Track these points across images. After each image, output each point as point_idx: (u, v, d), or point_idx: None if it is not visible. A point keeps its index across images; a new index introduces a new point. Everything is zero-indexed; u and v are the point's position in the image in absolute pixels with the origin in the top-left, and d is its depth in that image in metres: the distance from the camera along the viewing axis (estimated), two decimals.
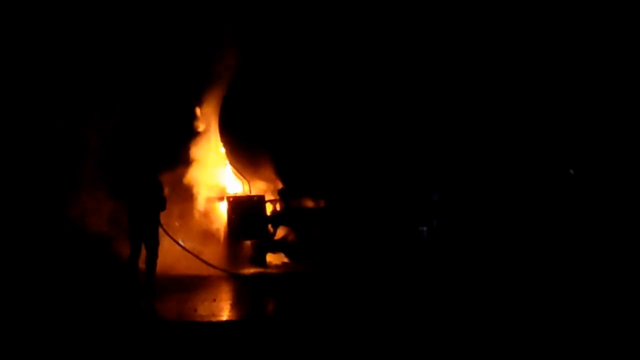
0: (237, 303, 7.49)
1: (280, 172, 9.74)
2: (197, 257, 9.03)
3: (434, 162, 9.52)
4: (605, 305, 6.65)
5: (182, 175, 10.24)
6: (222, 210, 10.27)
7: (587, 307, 6.59)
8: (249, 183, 10.24)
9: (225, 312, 6.94)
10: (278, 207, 10.03)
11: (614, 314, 6.33)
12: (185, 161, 10.34)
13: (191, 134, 10.56)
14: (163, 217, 7.98)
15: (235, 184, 10.58)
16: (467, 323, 6.13)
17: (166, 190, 8.16)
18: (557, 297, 7.07)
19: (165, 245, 8.46)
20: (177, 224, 9.55)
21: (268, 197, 10.10)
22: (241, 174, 10.34)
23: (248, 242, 9.91)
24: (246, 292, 8.14)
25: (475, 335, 5.79)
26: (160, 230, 8.00)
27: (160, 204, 7.92)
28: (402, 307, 6.86)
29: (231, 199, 10.01)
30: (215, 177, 10.69)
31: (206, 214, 10.34)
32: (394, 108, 9.45)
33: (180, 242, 8.91)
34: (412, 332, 5.95)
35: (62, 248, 9.20)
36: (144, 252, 7.75)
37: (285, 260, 10.08)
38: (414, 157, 9.49)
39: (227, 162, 10.62)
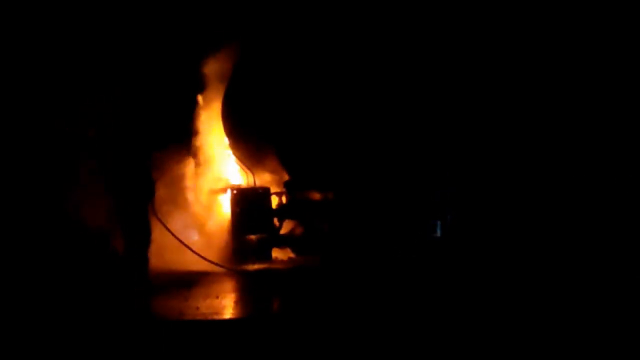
0: (242, 300, 7.51)
1: (286, 163, 9.73)
2: (193, 251, 9.07)
3: (449, 152, 9.47)
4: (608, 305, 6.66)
5: (183, 166, 10.24)
6: (225, 202, 10.28)
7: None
8: (253, 174, 10.22)
9: (229, 310, 6.95)
10: (284, 200, 10.02)
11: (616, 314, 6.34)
12: (185, 151, 10.34)
13: (192, 123, 10.58)
14: (161, 210, 8.08)
15: (238, 175, 10.57)
16: (476, 324, 6.13)
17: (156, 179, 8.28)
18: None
19: (165, 239, 8.53)
20: (176, 216, 9.59)
21: (273, 189, 10.08)
22: (245, 165, 10.32)
23: (252, 237, 9.90)
24: (251, 289, 8.16)
25: (483, 336, 5.82)
26: (155, 222, 8.10)
27: (148, 190, 8.01)
28: (412, 306, 6.84)
29: (235, 191, 10.00)
30: (218, 167, 10.69)
31: (208, 207, 10.34)
32: (407, 94, 9.40)
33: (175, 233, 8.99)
34: (421, 332, 5.95)
35: (57, 243, 9.23)
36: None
37: (292, 255, 10.07)
38: (427, 147, 9.45)
39: (230, 152, 10.62)
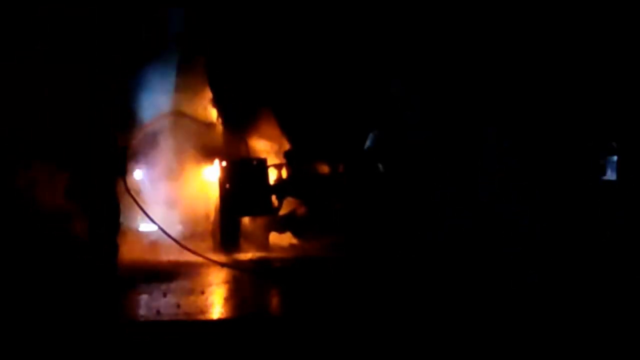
0: (232, 297, 7.59)
1: (287, 128, 9.88)
2: (173, 238, 9.23)
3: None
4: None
5: (159, 132, 10.35)
6: (212, 177, 10.40)
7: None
8: (246, 142, 10.36)
9: (216, 309, 7.07)
10: (284, 174, 10.16)
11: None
12: (162, 114, 10.42)
13: (170, 78, 10.64)
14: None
15: (228, 143, 10.65)
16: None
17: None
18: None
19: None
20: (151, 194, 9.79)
21: (271, 160, 10.21)
22: (236, 130, 10.42)
23: (246, 219, 10.10)
24: (243, 284, 8.27)
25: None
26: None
27: (117, 158, 8.20)
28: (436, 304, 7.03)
29: (223, 163, 10.09)
30: (203, 134, 10.75)
31: (191, 182, 10.46)
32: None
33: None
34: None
35: (9, 227, 9.43)
36: None
37: (294, 241, 10.27)
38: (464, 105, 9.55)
39: (217, 114, 10.70)
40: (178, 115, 10.62)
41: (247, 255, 9.70)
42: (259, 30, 9.78)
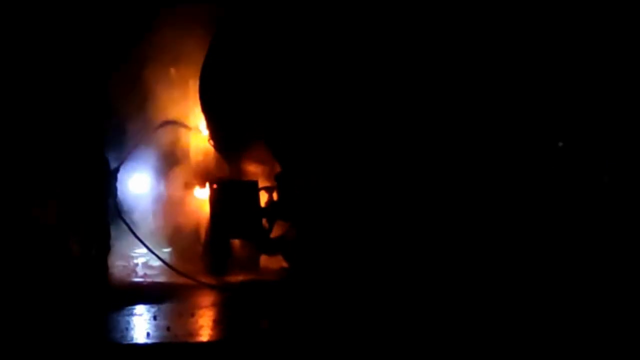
0: (221, 319, 7.64)
1: (278, 151, 9.85)
2: (163, 261, 9.31)
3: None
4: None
5: (151, 154, 10.54)
6: (202, 198, 10.46)
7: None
8: (237, 164, 10.37)
9: (206, 331, 7.08)
10: (275, 196, 10.14)
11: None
12: (154, 136, 10.57)
13: (163, 101, 10.82)
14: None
15: (220, 165, 10.74)
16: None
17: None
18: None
19: (130, 245, 8.79)
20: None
21: (262, 183, 10.20)
22: (228, 153, 10.47)
23: (236, 241, 10.12)
24: (233, 306, 8.29)
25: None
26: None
27: (107, 182, 8.29)
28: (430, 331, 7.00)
29: (215, 185, 10.11)
30: (194, 156, 10.89)
31: (182, 204, 10.56)
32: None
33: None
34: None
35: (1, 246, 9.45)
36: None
37: (284, 264, 10.24)
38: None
39: (209, 136, 10.76)
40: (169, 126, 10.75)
41: (237, 278, 9.66)
42: (251, 53, 9.88)
